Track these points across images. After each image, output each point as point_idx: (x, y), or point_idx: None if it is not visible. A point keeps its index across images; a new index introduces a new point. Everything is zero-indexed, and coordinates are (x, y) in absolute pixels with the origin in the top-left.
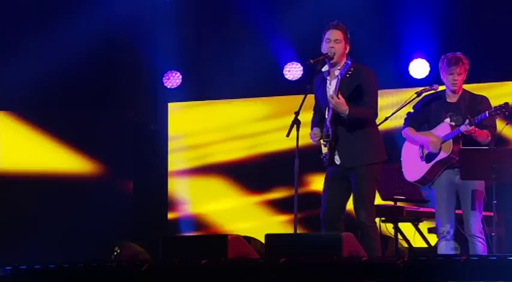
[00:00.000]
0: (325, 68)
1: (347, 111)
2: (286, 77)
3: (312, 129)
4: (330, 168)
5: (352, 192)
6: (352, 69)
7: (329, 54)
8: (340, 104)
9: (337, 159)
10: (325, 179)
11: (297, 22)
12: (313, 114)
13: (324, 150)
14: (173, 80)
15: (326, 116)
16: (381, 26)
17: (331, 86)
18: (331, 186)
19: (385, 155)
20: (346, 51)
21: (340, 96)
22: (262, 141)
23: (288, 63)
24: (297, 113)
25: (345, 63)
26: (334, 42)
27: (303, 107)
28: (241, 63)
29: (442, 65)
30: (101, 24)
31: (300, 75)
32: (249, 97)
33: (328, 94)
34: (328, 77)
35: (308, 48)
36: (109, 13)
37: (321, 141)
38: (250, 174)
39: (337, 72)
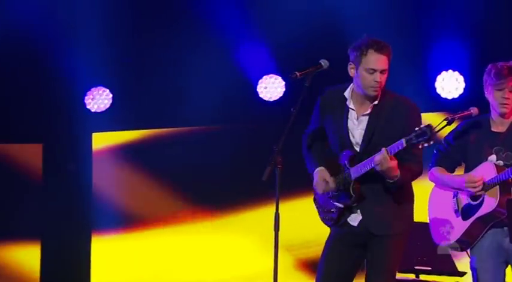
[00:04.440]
0: (349, 99)
1: (397, 178)
2: (262, 96)
3: (312, 171)
4: (336, 229)
5: (370, 263)
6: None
7: (369, 93)
8: (392, 169)
9: (353, 220)
10: (327, 242)
11: (276, 22)
12: (311, 150)
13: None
14: (100, 100)
15: (346, 162)
16: (397, 27)
17: (358, 123)
18: (335, 253)
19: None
20: None
21: (393, 158)
22: (227, 187)
23: (264, 77)
24: (276, 148)
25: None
26: (381, 73)
27: (284, 139)
28: (198, 78)
29: (488, 77)
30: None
31: (281, 94)
32: (209, 125)
33: (349, 131)
34: (352, 107)
35: (292, 56)
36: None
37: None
38: (209, 233)
39: (369, 109)
